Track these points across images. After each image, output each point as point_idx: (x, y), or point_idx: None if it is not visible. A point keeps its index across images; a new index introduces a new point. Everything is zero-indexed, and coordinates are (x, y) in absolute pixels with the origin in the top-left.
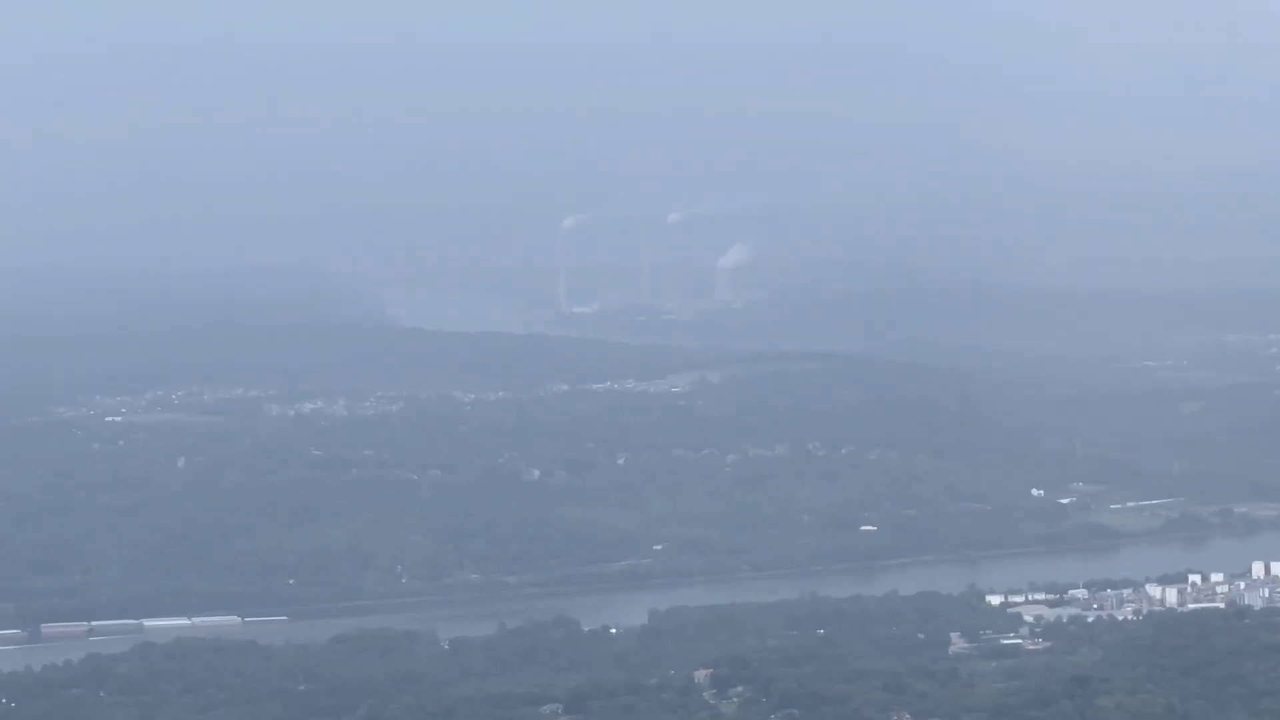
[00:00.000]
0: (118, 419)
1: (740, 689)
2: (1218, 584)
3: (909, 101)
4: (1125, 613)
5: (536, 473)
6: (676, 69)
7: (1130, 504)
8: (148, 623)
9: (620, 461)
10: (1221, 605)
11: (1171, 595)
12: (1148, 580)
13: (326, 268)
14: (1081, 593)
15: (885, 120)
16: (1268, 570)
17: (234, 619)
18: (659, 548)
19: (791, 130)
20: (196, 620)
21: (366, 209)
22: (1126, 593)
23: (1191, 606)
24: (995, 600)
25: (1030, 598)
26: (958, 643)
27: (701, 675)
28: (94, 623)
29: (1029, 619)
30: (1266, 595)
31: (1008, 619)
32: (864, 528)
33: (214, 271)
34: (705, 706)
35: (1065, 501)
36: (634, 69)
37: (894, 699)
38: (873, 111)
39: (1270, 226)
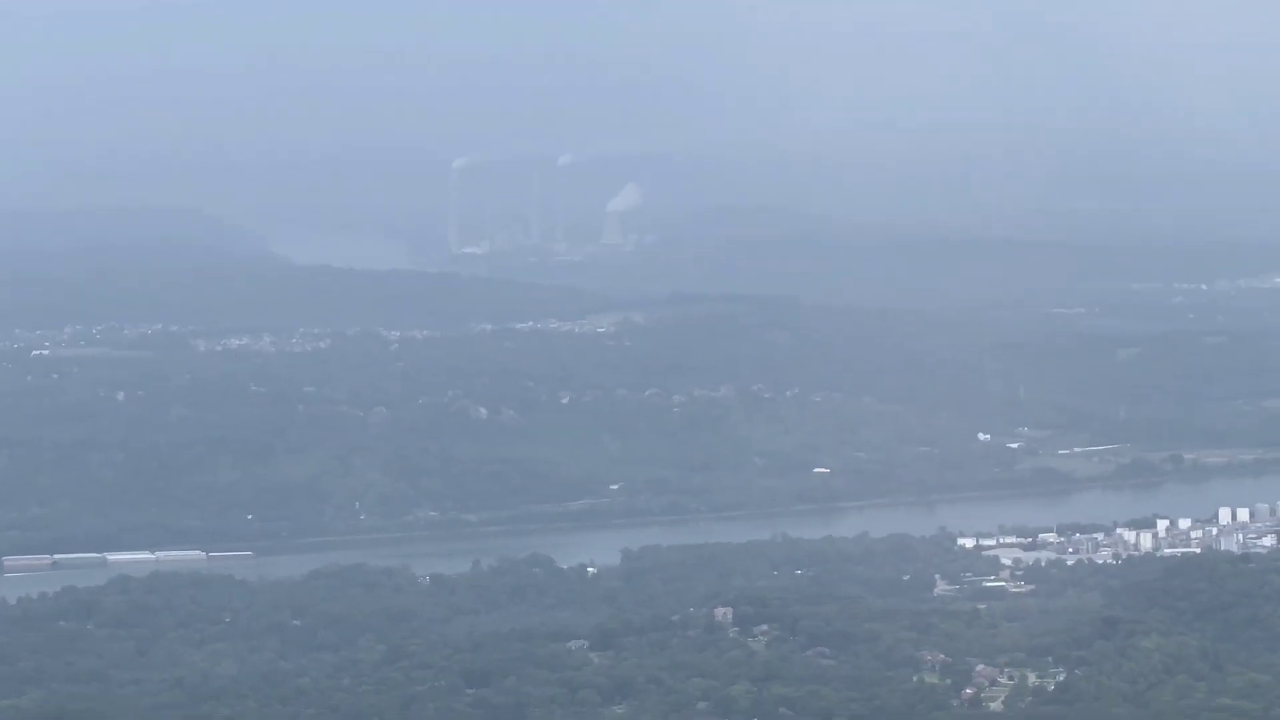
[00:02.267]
0: (45, 352)
1: (765, 627)
2: (1189, 529)
3: (800, 50)
4: (1103, 557)
5: (484, 411)
6: (564, 8)
7: (1078, 449)
8: (111, 556)
9: (565, 400)
10: (1197, 550)
11: (1146, 540)
12: (1117, 525)
13: (205, 208)
14: (1052, 537)
15: (776, 68)
16: (1234, 516)
17: (198, 554)
18: (616, 487)
19: (680, 75)
20: (160, 554)
21: (245, 149)
22: (1099, 537)
23: (1167, 551)
24: (967, 543)
25: (1001, 541)
26: (941, 585)
27: (722, 613)
28: (57, 556)
29: (1007, 562)
30: (1241, 540)
31: (985, 562)
32: (817, 470)
33: (95, 209)
34: (736, 644)
35: (1013, 446)
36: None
37: (922, 638)
38: (764, 58)
39: (1147, 177)
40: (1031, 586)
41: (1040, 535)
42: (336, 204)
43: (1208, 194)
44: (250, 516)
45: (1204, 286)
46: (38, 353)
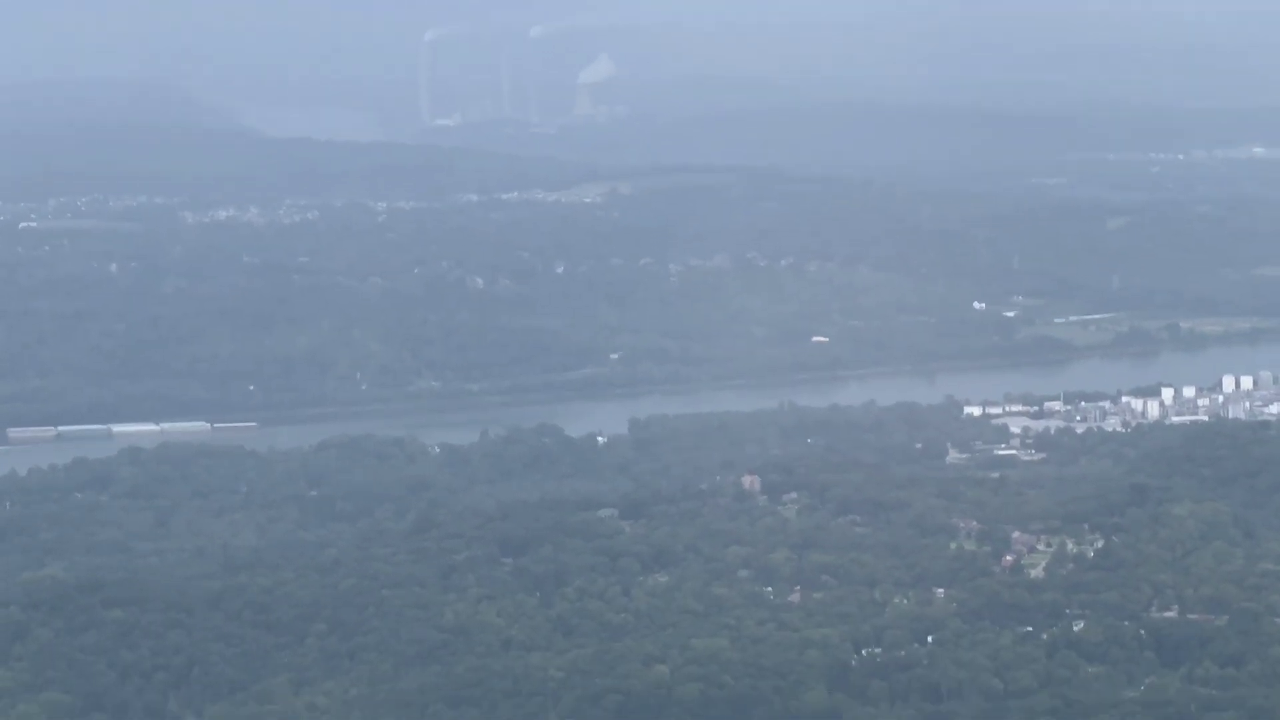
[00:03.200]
0: (32, 224)
1: (794, 495)
2: (1194, 397)
3: None
4: (1112, 425)
5: (480, 281)
6: None
7: (1074, 318)
8: (115, 428)
9: (560, 270)
10: (1205, 418)
11: (1153, 408)
12: (1121, 393)
13: (171, 82)
14: (1059, 405)
15: None
16: (1238, 384)
17: (203, 424)
18: (616, 357)
19: None
20: (165, 426)
21: (208, 23)
22: (1106, 405)
23: (1174, 419)
24: (974, 412)
25: (1008, 409)
26: (953, 453)
27: (750, 481)
28: (61, 428)
29: (1016, 430)
30: (1248, 408)
31: (994, 430)
32: (816, 338)
33: (64, 82)
34: (767, 512)
35: (1010, 315)
36: None
37: (953, 506)
38: None
39: (1116, 52)
40: (1043, 455)
41: (1046, 404)
42: (303, 77)
43: (1177, 68)
44: (252, 387)
45: (1180, 157)
46: (25, 225)
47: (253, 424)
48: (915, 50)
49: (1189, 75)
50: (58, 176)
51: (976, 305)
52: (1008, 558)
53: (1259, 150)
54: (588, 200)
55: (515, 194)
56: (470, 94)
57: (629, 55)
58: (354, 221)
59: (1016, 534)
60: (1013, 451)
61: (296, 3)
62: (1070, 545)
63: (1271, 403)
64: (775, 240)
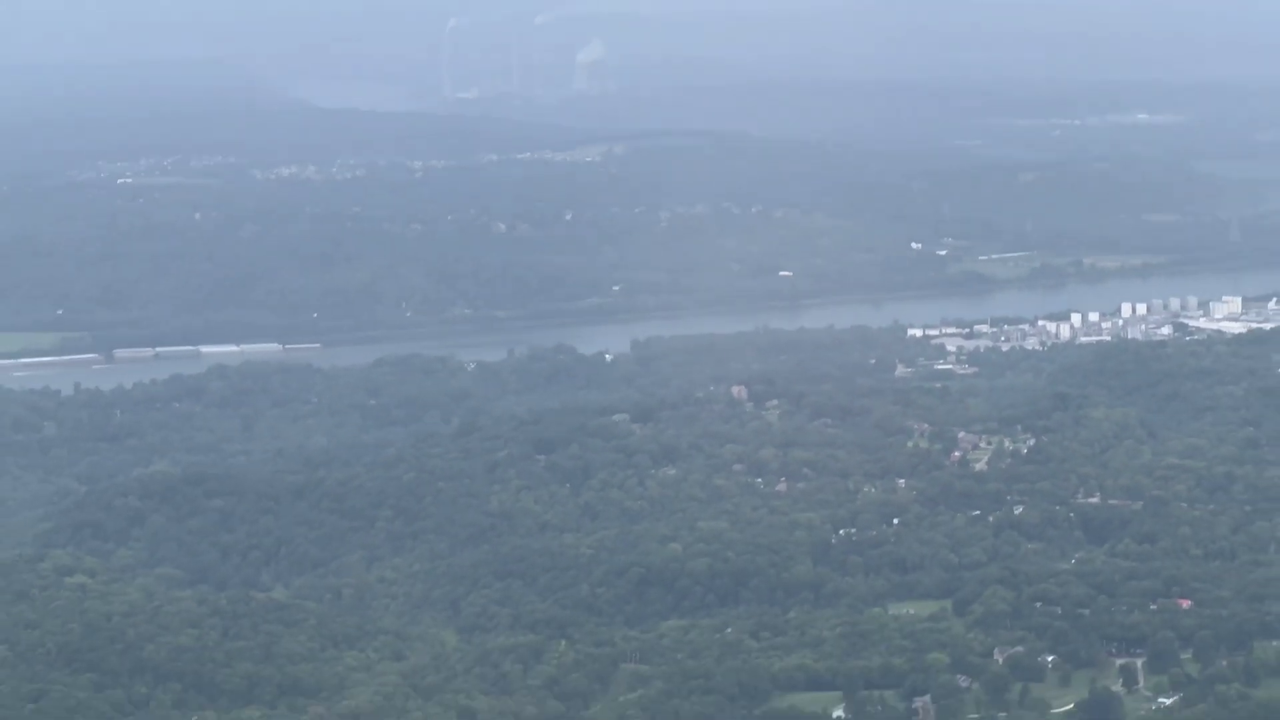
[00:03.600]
0: (128, 181)
1: (775, 402)
2: (1099, 321)
3: None
4: (1031, 344)
5: (503, 226)
6: None
7: (995, 256)
8: (203, 349)
9: (568, 217)
10: (1109, 339)
11: (1064, 330)
12: (1037, 318)
13: (229, 60)
14: (986, 328)
15: None
16: (1134, 310)
17: (275, 346)
18: (617, 288)
19: None
20: (243, 347)
21: (258, 5)
22: (1025, 327)
23: (1083, 340)
24: (916, 333)
25: (943, 331)
26: (900, 368)
27: (738, 390)
28: (158, 349)
29: (951, 349)
30: (1143, 330)
31: (934, 349)
32: (782, 273)
33: (142, 61)
34: (754, 417)
35: (942, 253)
36: None
37: (907, 410)
38: None
39: (1014, 33)
40: (975, 369)
41: (975, 327)
42: (344, 56)
43: (1074, 47)
44: (316, 314)
45: (1077, 122)
46: (123, 181)
47: (317, 345)
48: (861, 35)
49: (1083, 53)
50: (146, 141)
51: (914, 245)
52: (955, 454)
53: (1142, 116)
54: (588, 159)
55: (528, 154)
56: (486, 72)
57: (619, 39)
58: (395, 177)
59: (962, 434)
60: (950, 366)
61: None
62: (1007, 443)
63: (1163, 325)
64: (746, 192)
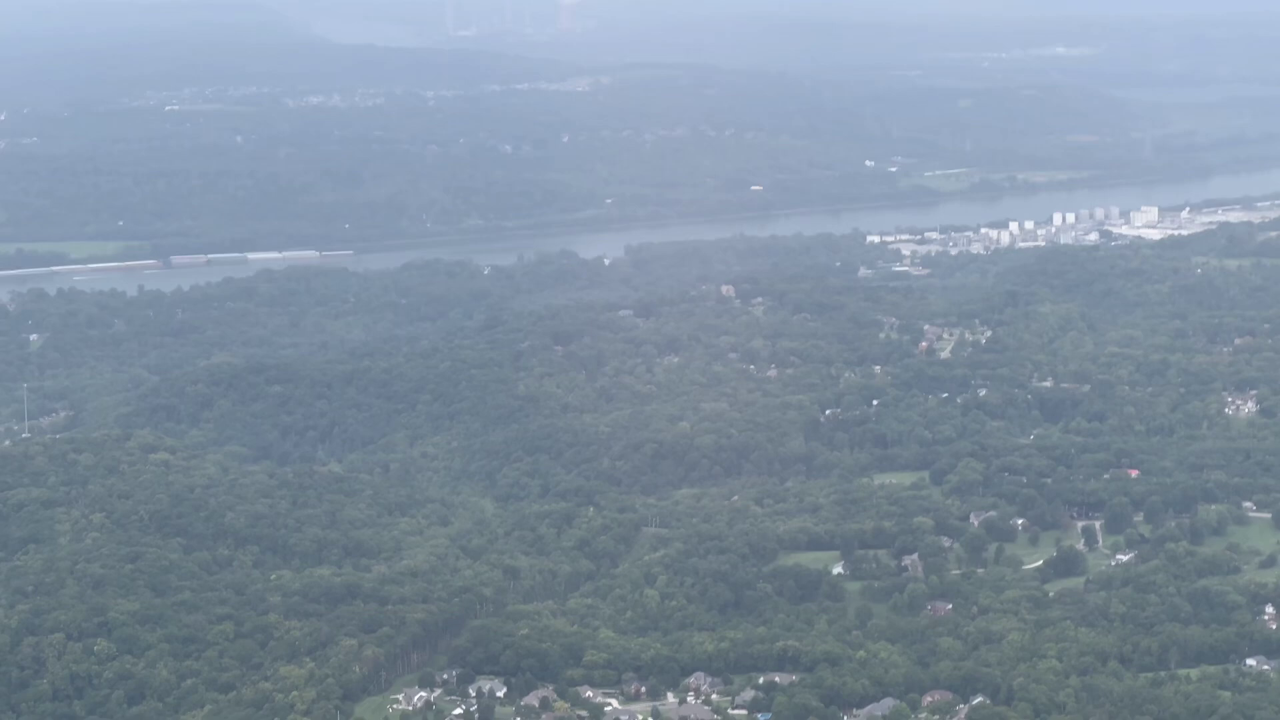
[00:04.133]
0: (175, 108)
1: (760, 300)
2: (1034, 229)
3: None
4: (976, 249)
5: (509, 148)
6: None
7: (939, 171)
8: (249, 255)
9: (565, 140)
10: (1044, 244)
11: (1005, 237)
12: (980, 226)
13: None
14: (936, 234)
15: None
16: (1064, 219)
17: (313, 253)
18: (610, 201)
19: None
20: (285, 254)
21: None
22: (970, 234)
23: (1021, 245)
24: (874, 239)
25: (898, 238)
26: (863, 270)
27: (727, 289)
28: (210, 256)
29: (906, 253)
30: (1074, 236)
31: (890, 253)
32: (753, 187)
33: (186, 4)
34: (742, 312)
35: (892, 170)
36: None
37: (876, 306)
38: None
39: None
40: (929, 270)
41: (926, 234)
42: None
43: None
44: (348, 225)
45: (1004, 55)
46: (170, 108)
47: (350, 252)
48: None
49: None
50: (188, 73)
51: (868, 163)
52: (923, 344)
53: (1060, 49)
54: (579, 89)
55: (525, 85)
56: (482, 11)
57: None
58: (411, 105)
59: (927, 327)
60: (906, 268)
61: None
62: (967, 335)
63: (1090, 232)
64: (719, 116)
